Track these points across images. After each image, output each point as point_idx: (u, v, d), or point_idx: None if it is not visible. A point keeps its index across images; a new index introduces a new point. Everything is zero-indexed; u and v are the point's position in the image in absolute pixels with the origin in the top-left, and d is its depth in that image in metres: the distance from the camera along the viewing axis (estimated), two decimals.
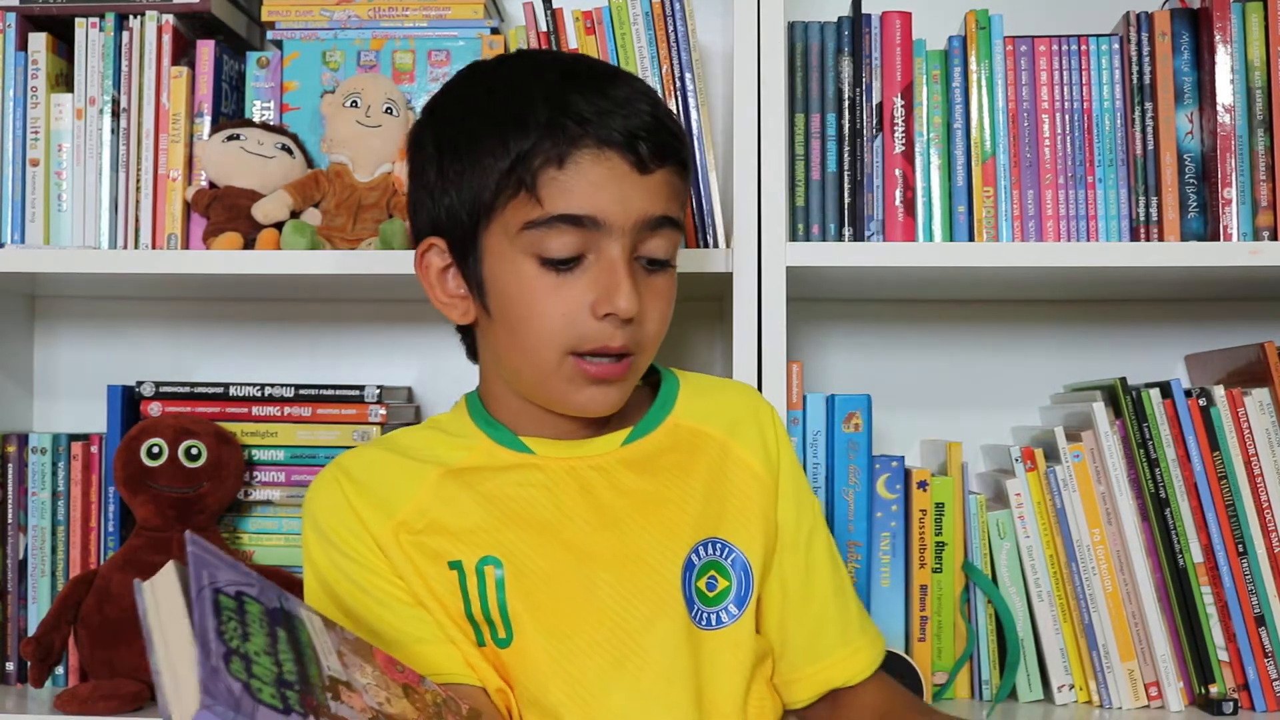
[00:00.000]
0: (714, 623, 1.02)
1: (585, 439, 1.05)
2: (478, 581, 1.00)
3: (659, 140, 0.99)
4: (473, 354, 1.11)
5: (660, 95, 1.12)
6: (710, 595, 1.02)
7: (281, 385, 1.51)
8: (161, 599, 0.79)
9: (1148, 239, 1.39)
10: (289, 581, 1.47)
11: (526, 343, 1.00)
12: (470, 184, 1.00)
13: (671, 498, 1.03)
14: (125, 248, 1.47)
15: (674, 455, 1.06)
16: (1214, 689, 1.35)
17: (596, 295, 0.97)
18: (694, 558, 1.02)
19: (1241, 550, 1.35)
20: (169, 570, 0.80)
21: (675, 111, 1.40)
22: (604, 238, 0.97)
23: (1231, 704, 1.33)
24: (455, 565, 1.00)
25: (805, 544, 1.08)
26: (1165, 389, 1.37)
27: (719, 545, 1.03)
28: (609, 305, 0.97)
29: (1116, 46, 1.41)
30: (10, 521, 1.50)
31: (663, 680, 0.99)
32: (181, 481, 1.43)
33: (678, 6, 1.40)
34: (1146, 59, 1.40)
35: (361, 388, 1.50)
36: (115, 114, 1.48)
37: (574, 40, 1.42)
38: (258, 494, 1.50)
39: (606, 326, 0.98)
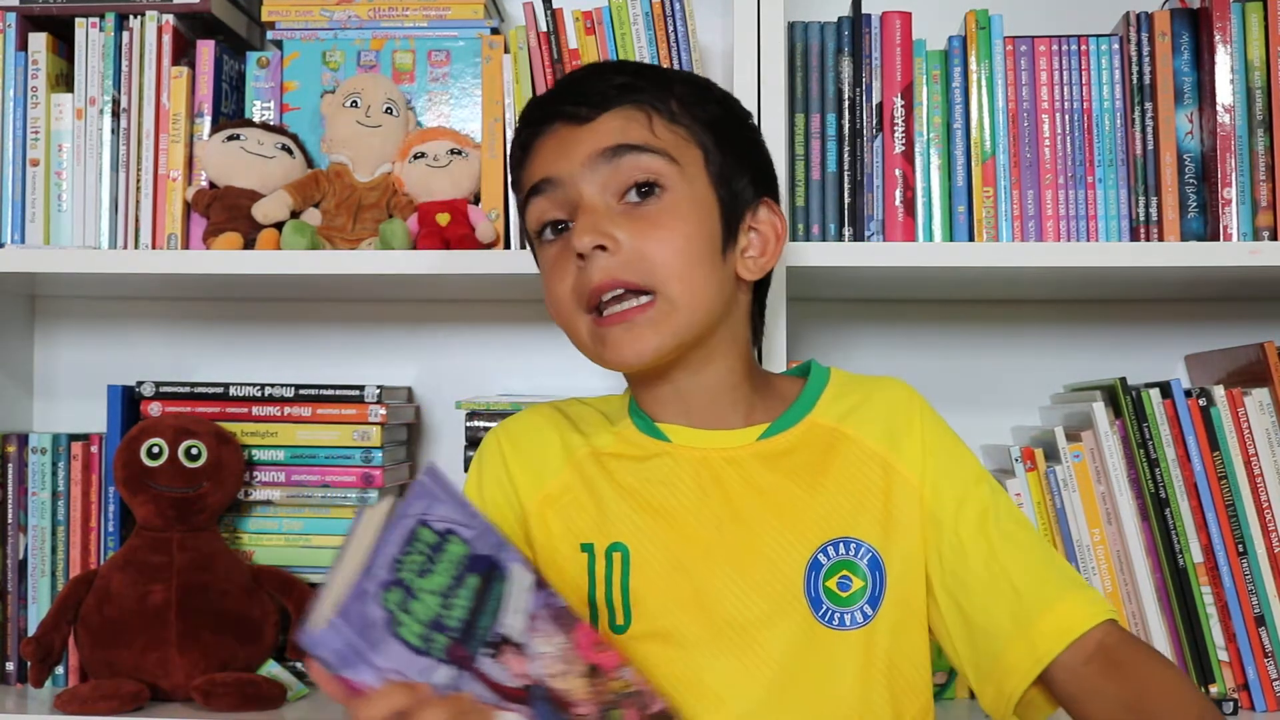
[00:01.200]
0: (845, 623, 1.00)
1: (722, 429, 1.05)
2: (605, 566, 1.02)
3: (594, 92, 1.02)
4: None
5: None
6: (843, 595, 1.01)
7: (281, 385, 1.51)
8: (367, 521, 0.83)
9: (1148, 239, 1.39)
10: (288, 580, 1.47)
11: (561, 321, 1.04)
12: (519, 206, 1.08)
13: (800, 495, 1.03)
14: (125, 248, 1.47)
15: (808, 454, 1.05)
16: (1214, 689, 1.35)
17: (577, 243, 0.99)
18: (822, 557, 1.01)
19: (1241, 550, 1.35)
20: (388, 498, 0.85)
21: None
22: (575, 190, 1.00)
23: (1231, 704, 1.33)
24: (587, 548, 1.03)
25: (970, 527, 1.03)
26: (1165, 389, 1.37)
27: (851, 544, 1.02)
28: (574, 247, 0.99)
29: (1116, 46, 1.41)
30: (10, 521, 1.50)
31: (783, 677, 0.98)
32: (181, 481, 1.43)
33: (678, 6, 1.40)
34: (1146, 59, 1.40)
35: (361, 388, 1.50)
36: (115, 114, 1.48)
37: (574, 40, 1.42)
38: (258, 494, 1.50)
39: (585, 268, 0.99)
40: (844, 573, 1.01)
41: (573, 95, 1.04)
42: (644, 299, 0.99)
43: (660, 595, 1.01)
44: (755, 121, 1.18)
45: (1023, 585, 1.01)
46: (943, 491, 1.04)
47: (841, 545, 1.02)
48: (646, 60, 1.40)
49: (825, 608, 1.01)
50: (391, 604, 0.78)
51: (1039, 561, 1.03)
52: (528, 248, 1.13)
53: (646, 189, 1.00)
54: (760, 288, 1.12)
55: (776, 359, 1.32)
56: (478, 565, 0.85)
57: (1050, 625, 0.99)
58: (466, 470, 1.49)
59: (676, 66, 1.41)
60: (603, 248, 0.98)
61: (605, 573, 1.02)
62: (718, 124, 1.06)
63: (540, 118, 1.05)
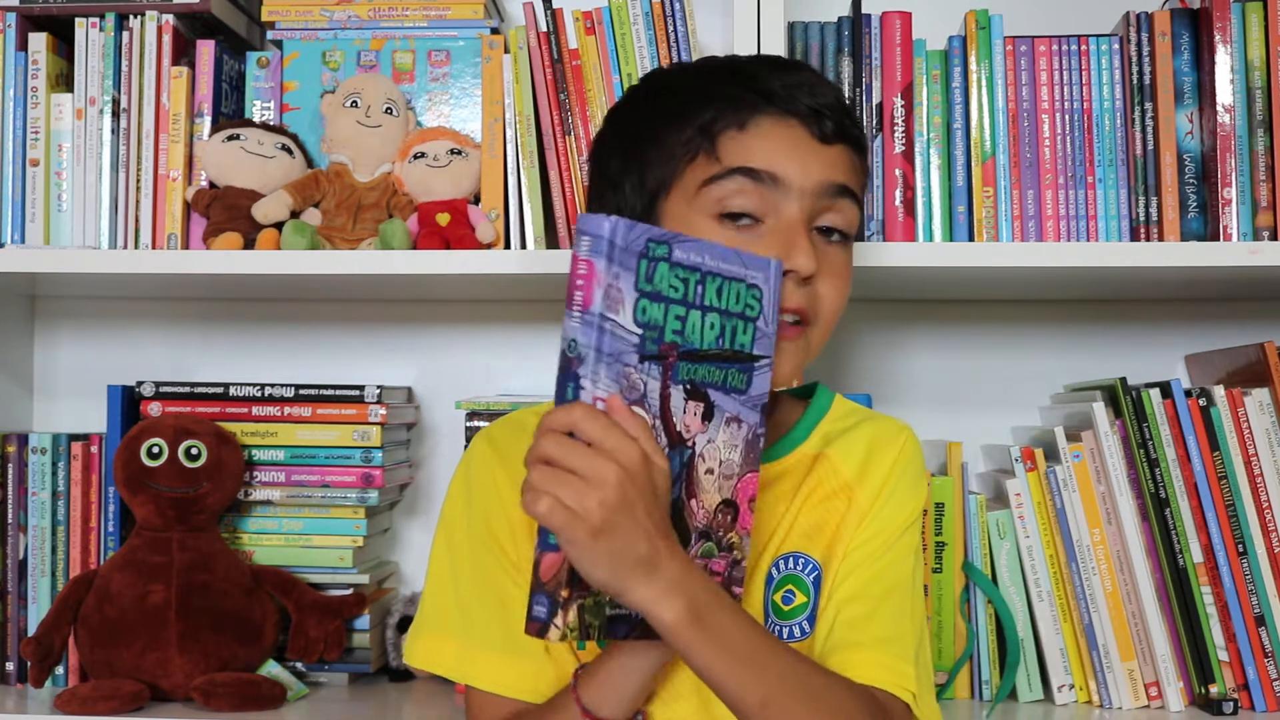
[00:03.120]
0: (786, 636, 1.01)
1: None
2: None
3: (840, 118, 1.01)
4: None
5: None
6: (785, 609, 1.02)
7: (281, 385, 1.51)
8: None
9: (1148, 239, 1.39)
10: (288, 580, 1.47)
11: None
12: (653, 160, 1.01)
13: (775, 516, 1.04)
14: (125, 248, 1.47)
15: (790, 480, 1.05)
16: (1214, 689, 1.35)
17: (776, 254, 0.95)
18: (774, 570, 1.02)
19: (1241, 550, 1.35)
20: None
21: None
22: (782, 199, 0.98)
23: (1231, 704, 1.33)
24: None
25: (864, 555, 1.03)
26: (1165, 389, 1.37)
27: (798, 559, 1.03)
28: (789, 262, 0.96)
29: (1116, 46, 1.41)
30: (10, 521, 1.50)
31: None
32: (181, 481, 1.43)
33: (678, 6, 1.40)
34: (1146, 59, 1.40)
35: (361, 388, 1.50)
36: (115, 114, 1.48)
37: (574, 40, 1.42)
38: (258, 494, 1.50)
39: (786, 284, 0.97)
40: (789, 587, 1.02)
41: (816, 103, 1.00)
42: (800, 326, 1.00)
43: None
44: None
45: (853, 620, 1.00)
46: (870, 520, 1.04)
47: (791, 559, 1.03)
48: (646, 60, 1.40)
49: (771, 621, 1.01)
50: (656, 250, 0.83)
51: (889, 614, 1.01)
52: (632, 194, 1.04)
53: (836, 231, 1.01)
54: None
55: None
56: (744, 330, 0.89)
57: (841, 662, 0.98)
58: None
59: None
60: (809, 278, 0.99)
61: None
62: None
63: (778, 101, 1.00)
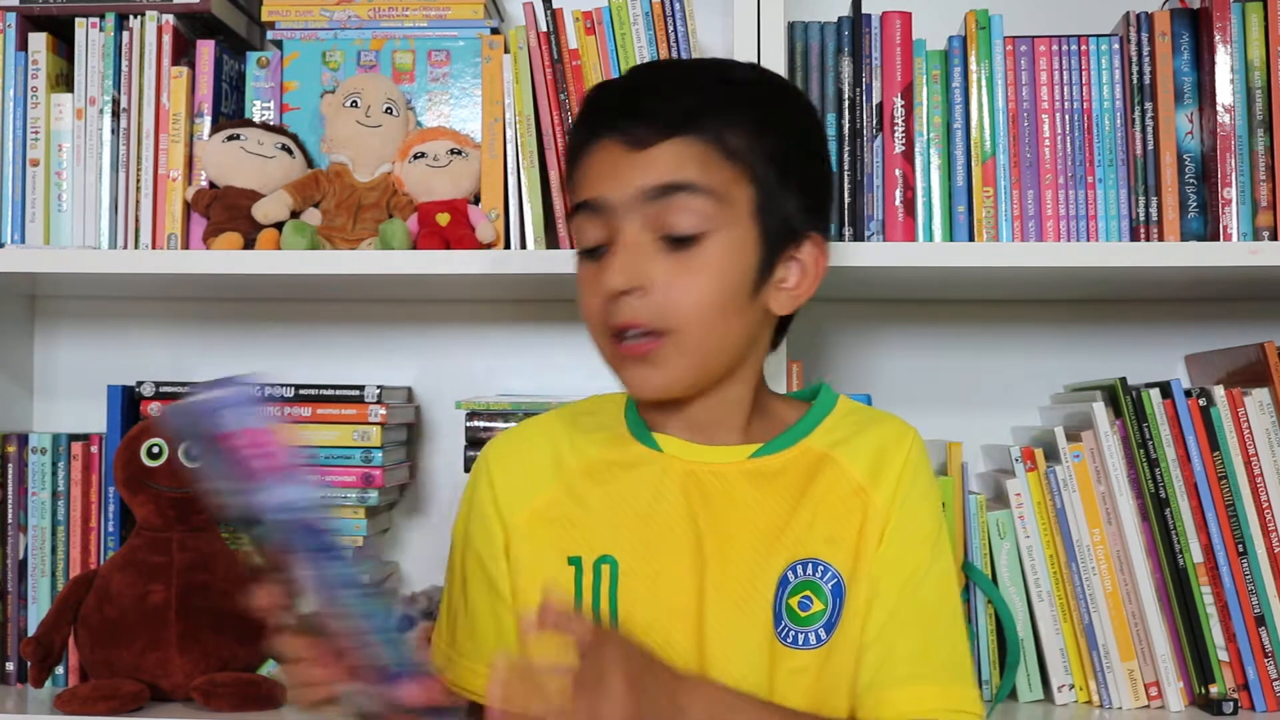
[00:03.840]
0: (801, 642, 1.01)
1: (716, 445, 1.05)
2: (593, 579, 1.03)
3: (655, 112, 0.99)
4: None
5: (730, 71, 1.09)
6: (802, 615, 1.01)
7: (281, 385, 1.51)
8: None
9: (1148, 239, 1.39)
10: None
11: (590, 334, 1.04)
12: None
13: (780, 513, 1.03)
14: (125, 248, 1.47)
15: (794, 475, 1.05)
16: (1214, 689, 1.35)
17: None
18: (791, 575, 1.02)
19: (1241, 550, 1.35)
20: None
21: None
22: (617, 219, 0.99)
23: (1231, 704, 1.33)
24: (575, 561, 1.03)
25: (891, 578, 1.02)
26: (1165, 389, 1.37)
27: (819, 566, 1.02)
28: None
29: (1116, 46, 1.41)
30: (10, 521, 1.50)
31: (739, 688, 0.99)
32: (181, 482, 1.43)
33: (678, 6, 1.40)
34: (1146, 59, 1.40)
35: (361, 388, 1.50)
36: (115, 114, 1.48)
37: (574, 40, 1.42)
38: None
39: (614, 303, 0.99)
40: (806, 593, 1.02)
41: (632, 111, 1.00)
42: (656, 339, 0.99)
43: (646, 608, 1.01)
44: (827, 146, 1.14)
45: (900, 651, 1.00)
46: (893, 534, 1.03)
47: (809, 566, 1.02)
48: (646, 60, 1.40)
49: (784, 625, 1.01)
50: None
51: (935, 638, 1.02)
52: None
53: (686, 234, 0.98)
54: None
55: (775, 359, 1.32)
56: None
57: (897, 698, 0.99)
58: (468, 470, 1.50)
59: None
60: (629, 291, 0.98)
61: (594, 585, 1.03)
62: (783, 157, 1.02)
63: (594, 125, 1.02)
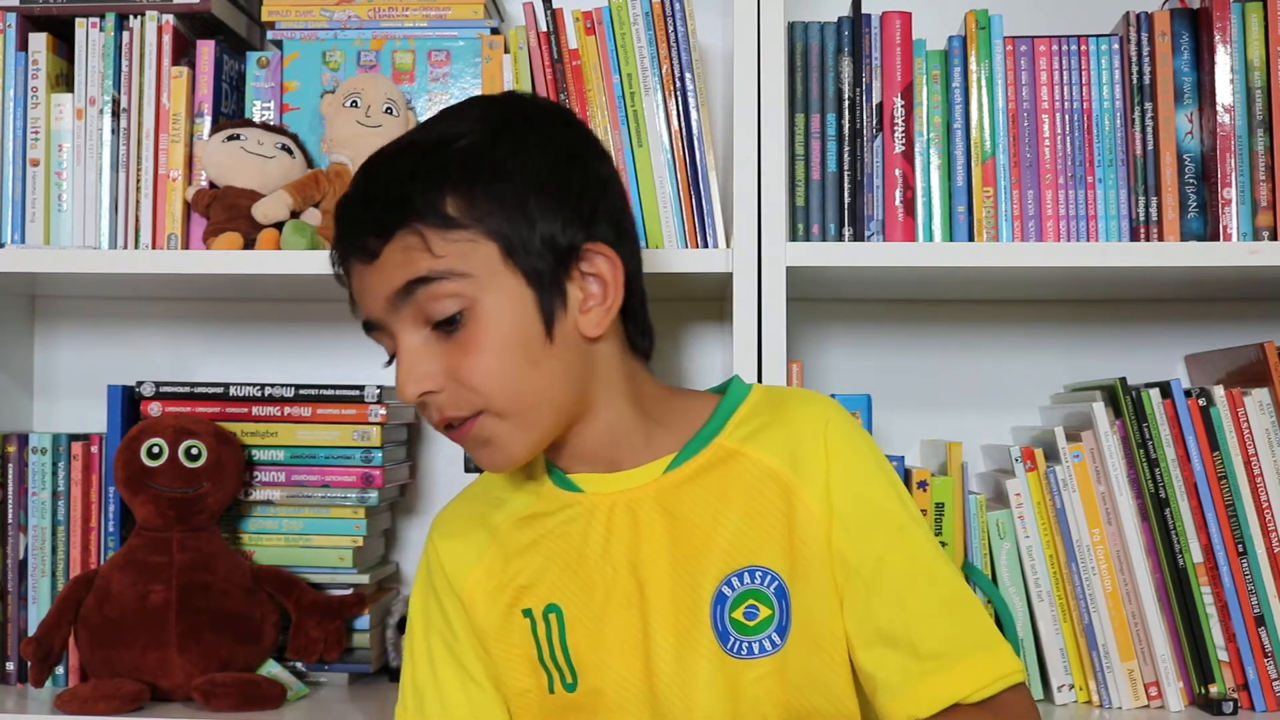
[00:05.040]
0: (754, 651, 0.99)
1: (629, 469, 1.04)
2: (545, 628, 1.03)
3: (368, 226, 0.98)
4: None
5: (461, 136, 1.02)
6: (750, 624, 1.00)
7: (281, 385, 1.51)
8: None
9: (1148, 239, 1.39)
10: (288, 580, 1.47)
11: None
12: None
13: (705, 527, 1.01)
14: (125, 248, 1.47)
15: (711, 480, 1.02)
16: (1214, 689, 1.35)
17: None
18: (726, 589, 1.00)
19: (1241, 550, 1.35)
20: None
21: (675, 111, 1.40)
22: (390, 329, 1.00)
23: (1231, 704, 1.33)
24: (527, 614, 1.04)
25: (870, 575, 0.99)
26: (1165, 389, 1.37)
27: (757, 573, 1.00)
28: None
29: (1116, 46, 1.41)
30: (10, 521, 1.50)
31: (697, 716, 0.99)
32: (181, 481, 1.43)
33: (678, 6, 1.40)
34: (1146, 59, 1.40)
35: (361, 388, 1.50)
36: (115, 114, 1.48)
37: (574, 40, 1.42)
38: (258, 494, 1.50)
39: (424, 406, 1.00)
40: (750, 601, 1.00)
41: (354, 228, 1.00)
42: (470, 420, 0.99)
43: (594, 650, 1.02)
44: (582, 145, 1.06)
45: (922, 644, 0.97)
46: (854, 536, 1.00)
47: (746, 575, 1.00)
48: (646, 60, 1.40)
49: (733, 639, 1.00)
50: None
51: (946, 617, 0.99)
52: None
53: (447, 319, 0.97)
54: (631, 300, 1.03)
55: (776, 359, 1.32)
56: None
57: (936, 688, 0.96)
58: (466, 470, 1.50)
59: (676, 66, 1.40)
60: (428, 392, 0.98)
61: (546, 634, 1.03)
62: (508, 196, 0.97)
63: (339, 247, 1.03)
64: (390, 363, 1.02)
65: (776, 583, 1.00)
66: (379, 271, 0.98)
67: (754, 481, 1.02)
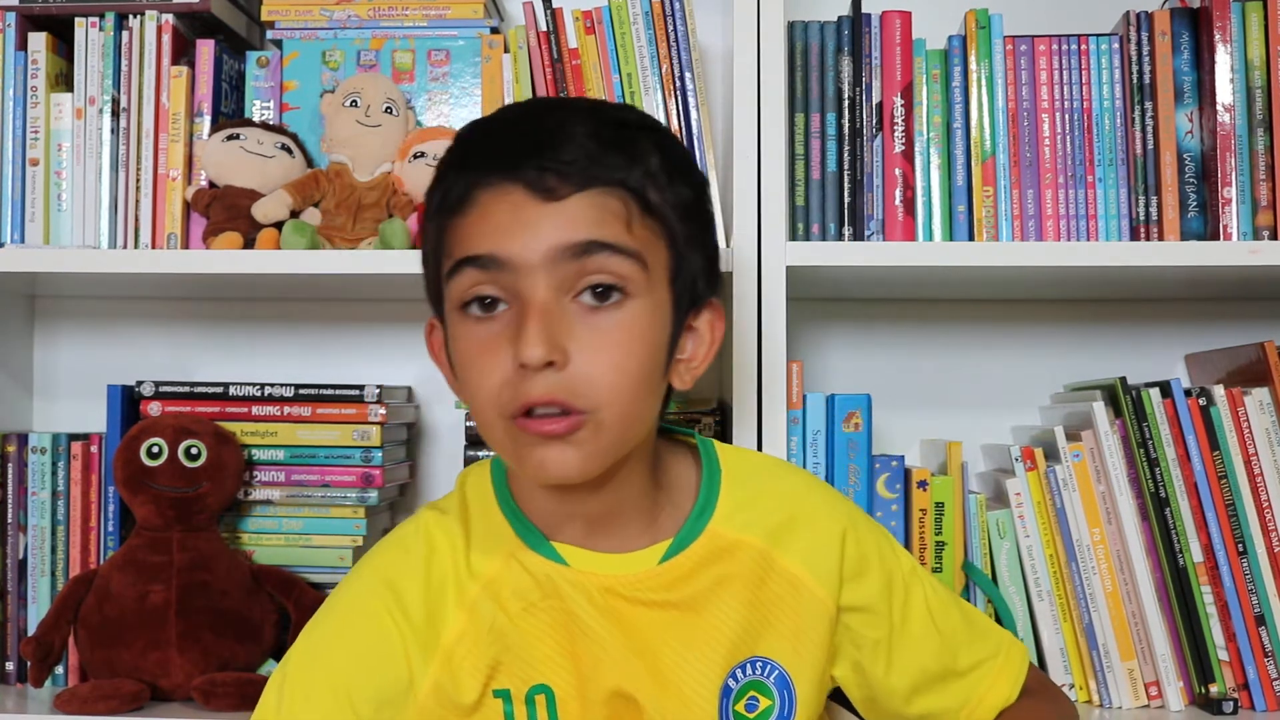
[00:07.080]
0: None
1: (622, 553, 0.96)
2: (527, 711, 0.95)
3: (566, 159, 0.87)
4: None
5: (627, 113, 0.96)
6: (750, 716, 0.97)
7: (281, 385, 1.51)
8: None
9: (1148, 239, 1.39)
10: (288, 580, 1.47)
11: (477, 413, 0.92)
12: (426, 251, 0.97)
13: (709, 619, 0.97)
14: (125, 248, 1.47)
15: (712, 570, 0.97)
16: (1214, 688, 1.35)
17: (510, 346, 0.87)
18: (731, 681, 0.97)
19: (1241, 550, 1.35)
20: None
21: (675, 111, 1.40)
22: (517, 279, 0.87)
23: (1231, 704, 1.33)
24: (501, 694, 0.95)
25: (915, 632, 1.03)
26: (1165, 389, 1.37)
27: (759, 664, 0.98)
28: (514, 353, 0.86)
29: (1116, 46, 1.41)
30: (10, 521, 1.50)
31: None
32: (181, 481, 1.43)
33: (678, 6, 1.40)
34: (1146, 59, 1.40)
35: (361, 388, 1.50)
36: (115, 114, 1.48)
37: (574, 40, 1.42)
38: (258, 494, 1.50)
39: (525, 377, 0.86)
40: (751, 693, 0.98)
41: (539, 157, 0.87)
42: (576, 417, 0.87)
43: None
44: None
45: (967, 670, 1.05)
46: (877, 611, 1.02)
47: (749, 666, 0.97)
48: (646, 60, 1.40)
49: None
50: None
51: (965, 638, 1.06)
52: (427, 289, 0.99)
53: (604, 291, 0.88)
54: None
55: (776, 359, 1.32)
56: None
57: (989, 695, 1.05)
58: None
59: (676, 66, 1.40)
60: (551, 363, 0.86)
61: (529, 717, 0.95)
62: (689, 209, 0.92)
63: (486, 171, 0.89)
64: (482, 303, 0.89)
65: (778, 673, 0.98)
66: (556, 216, 0.86)
67: (756, 570, 0.98)
